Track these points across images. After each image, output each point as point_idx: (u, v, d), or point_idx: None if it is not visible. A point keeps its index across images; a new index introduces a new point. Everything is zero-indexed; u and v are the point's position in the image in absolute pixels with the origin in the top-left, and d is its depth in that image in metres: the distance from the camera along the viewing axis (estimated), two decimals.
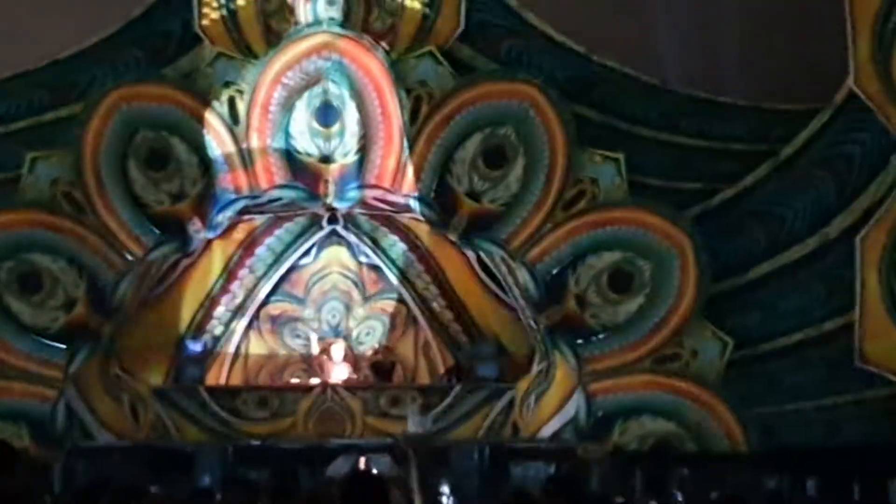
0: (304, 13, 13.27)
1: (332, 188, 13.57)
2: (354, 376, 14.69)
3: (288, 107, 13.32)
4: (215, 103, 13.25)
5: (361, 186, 13.55)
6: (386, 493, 5.04)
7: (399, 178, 13.36)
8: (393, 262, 15.08)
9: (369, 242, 15.11)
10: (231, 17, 13.35)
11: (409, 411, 13.74)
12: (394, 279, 15.10)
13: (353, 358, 14.97)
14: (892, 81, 12.25)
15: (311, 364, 14.84)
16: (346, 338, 15.20)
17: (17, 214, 13.24)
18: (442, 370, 15.06)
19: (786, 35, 14.05)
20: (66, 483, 12.38)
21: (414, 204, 13.52)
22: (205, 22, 13.32)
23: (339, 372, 14.67)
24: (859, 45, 12.40)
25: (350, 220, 14.79)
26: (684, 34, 14.40)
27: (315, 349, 14.85)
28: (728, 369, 12.88)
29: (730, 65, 14.26)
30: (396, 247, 15.00)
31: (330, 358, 14.76)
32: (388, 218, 14.55)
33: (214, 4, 13.37)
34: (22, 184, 13.21)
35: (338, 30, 13.19)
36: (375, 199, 13.69)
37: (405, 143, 13.25)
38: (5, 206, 13.25)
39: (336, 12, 13.23)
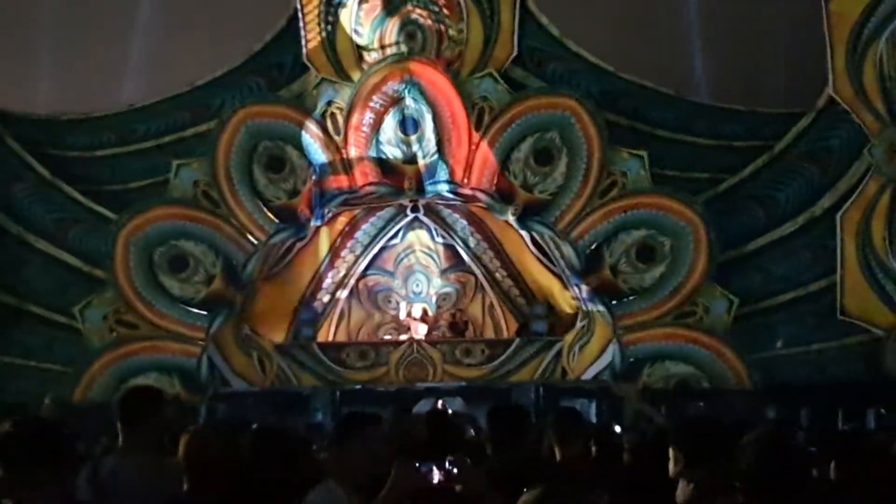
0: (388, 39, 14.21)
1: (414, 184, 14.35)
2: (434, 332, 15.34)
3: (377, 122, 14.13)
4: (320, 118, 14.21)
5: (437, 182, 14.27)
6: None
7: (468, 175, 14.17)
8: (464, 241, 15.68)
9: (445, 226, 15.69)
10: (331, 48, 14.32)
11: None
12: (465, 255, 15.77)
13: (433, 318, 15.62)
14: (864, 89, 13.27)
15: (399, 324, 15.60)
16: (427, 302, 15.83)
17: (166, 210, 14.38)
18: (505, 327, 15.58)
19: (778, 49, 14.76)
20: (209, 421, 12.51)
21: (480, 195, 14.34)
22: (311, 45, 14.10)
23: (419, 328, 15.31)
24: (836, 58, 13.33)
25: (429, 209, 15.49)
26: (699, 54, 15.06)
27: (403, 314, 15.40)
28: (734, 322, 13.69)
29: (732, 77, 14.88)
30: (466, 229, 15.62)
31: (413, 317, 15.44)
32: (460, 206, 15.25)
33: (316, 31, 14.27)
34: (170, 185, 14.41)
35: (414, 56, 14.18)
36: (449, 192, 14.48)
37: (472, 147, 14.02)
38: (157, 203, 14.41)
39: (415, 44, 14.21)
